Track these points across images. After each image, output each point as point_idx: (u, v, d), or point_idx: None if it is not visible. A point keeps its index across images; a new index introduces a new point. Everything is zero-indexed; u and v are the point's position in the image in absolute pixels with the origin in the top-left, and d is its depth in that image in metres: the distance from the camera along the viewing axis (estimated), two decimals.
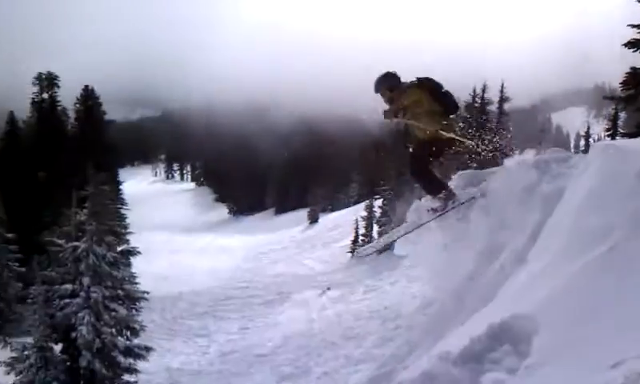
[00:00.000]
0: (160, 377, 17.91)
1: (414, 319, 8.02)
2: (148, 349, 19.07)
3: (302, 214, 51.71)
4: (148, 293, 22.25)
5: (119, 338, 18.46)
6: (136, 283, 22.85)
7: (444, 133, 6.40)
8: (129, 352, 18.50)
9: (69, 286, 18.02)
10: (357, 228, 34.24)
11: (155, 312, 26.99)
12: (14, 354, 17.21)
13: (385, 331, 11.95)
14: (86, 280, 17.85)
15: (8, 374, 17.27)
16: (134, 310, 20.62)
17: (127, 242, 24.11)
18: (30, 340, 17.62)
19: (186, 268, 37.48)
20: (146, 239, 33.86)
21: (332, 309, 21.58)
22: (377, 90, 6.58)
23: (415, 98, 6.36)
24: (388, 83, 6.56)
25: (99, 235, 18.69)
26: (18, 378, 17.02)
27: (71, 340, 17.57)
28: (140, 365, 18.74)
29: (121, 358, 18.03)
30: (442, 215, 6.76)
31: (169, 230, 53.01)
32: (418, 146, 6.66)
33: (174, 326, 26.13)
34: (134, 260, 24.53)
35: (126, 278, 21.72)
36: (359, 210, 38.79)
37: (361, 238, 34.20)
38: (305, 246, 40.02)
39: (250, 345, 19.12)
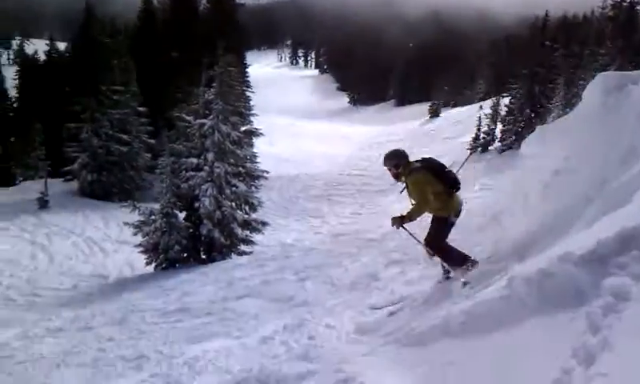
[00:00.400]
0: (273, 250, 18.69)
1: (531, 219, 7.70)
2: (264, 224, 19.92)
3: (423, 107, 50.53)
4: (268, 172, 22.99)
5: (238, 211, 19.35)
6: (257, 162, 23.63)
7: (446, 210, 6.90)
8: (246, 225, 19.40)
9: (194, 160, 18.92)
10: (479, 125, 33.11)
11: (273, 191, 27.97)
12: (141, 218, 18.57)
13: (498, 229, 11.61)
14: (210, 155, 18.64)
15: (135, 235, 18.76)
16: (253, 187, 21.43)
17: (251, 122, 24.76)
18: (157, 206, 18.89)
19: (305, 152, 38.19)
20: (269, 122, 34.65)
21: None
22: (384, 164, 7.14)
23: (419, 181, 6.77)
24: (394, 161, 7.03)
25: (225, 114, 19.26)
26: (144, 239, 18.46)
27: (194, 209, 18.66)
28: (256, 237, 19.67)
29: (238, 230, 18.95)
30: None
31: (290, 114, 53.86)
32: (430, 225, 7.11)
33: (290, 205, 27.01)
34: (256, 140, 25.29)
35: (248, 157, 22.49)
36: (484, 107, 37.41)
37: (482, 135, 33.13)
38: (423, 139, 39.35)
39: (361, 229, 19.42)
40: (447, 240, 7.18)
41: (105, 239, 23.04)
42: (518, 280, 4.79)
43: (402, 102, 63.64)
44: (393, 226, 7.08)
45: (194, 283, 15.41)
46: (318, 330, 8.16)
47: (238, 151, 20.12)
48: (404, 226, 7.02)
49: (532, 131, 10.29)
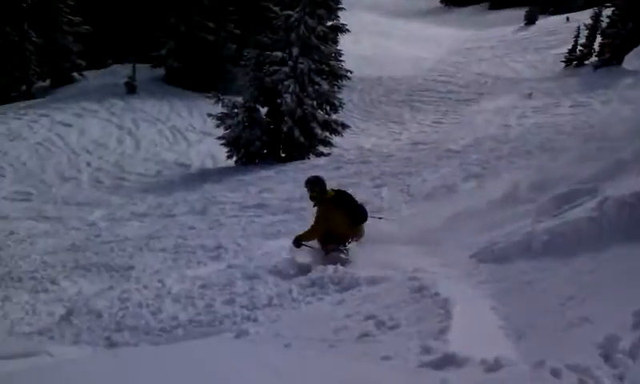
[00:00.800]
0: (351, 154, 18.65)
1: (622, 142, 7.30)
2: (344, 125, 19.81)
3: (519, 13, 47.61)
4: (351, 72, 22.60)
5: (319, 111, 19.27)
6: (341, 61, 23.16)
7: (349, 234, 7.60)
8: (326, 125, 19.35)
9: (279, 54, 18.78)
10: (577, 36, 31.09)
11: (355, 92, 27.59)
12: (224, 110, 18.84)
13: (586, 150, 11.08)
14: (295, 50, 18.44)
15: (218, 127, 19.12)
16: (335, 87, 21.16)
17: (337, 18, 23.92)
18: (239, 99, 19.08)
19: (390, 53, 37.17)
20: (355, 18, 33.65)
21: (532, 118, 20.53)
22: (305, 186, 7.92)
23: (322, 213, 7.51)
24: (311, 186, 7.74)
25: (312, 7, 18.84)
26: (226, 131, 18.80)
27: (276, 105, 18.73)
28: (334, 139, 19.64)
29: (318, 130, 18.94)
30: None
31: (378, 11, 52.15)
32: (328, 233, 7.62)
33: (371, 108, 26.66)
34: (341, 37, 24.73)
35: (332, 54, 22.11)
36: (584, 16, 35.07)
37: (579, 48, 31.22)
38: (515, 47, 37.40)
39: (442, 139, 18.99)
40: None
41: (188, 129, 23.59)
42: (609, 202, 4.59)
43: (496, 4, 60.17)
44: (293, 244, 7.67)
45: (273, 180, 15.72)
46: (391, 237, 8.15)
47: (323, 47, 19.79)
48: (303, 243, 7.62)
49: (636, 46, 9.58)
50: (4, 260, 10.50)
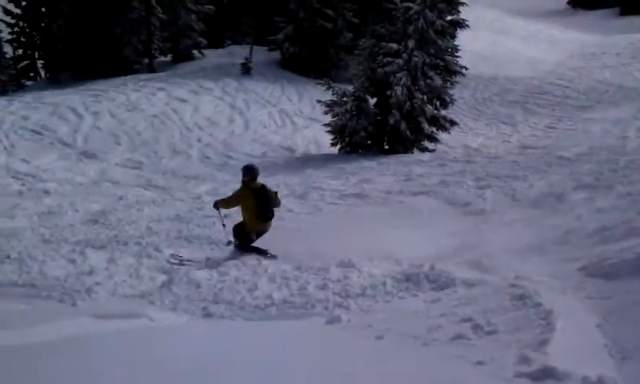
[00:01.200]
0: (457, 152, 18.25)
1: None
2: (453, 123, 19.40)
3: None
4: (466, 69, 22.07)
5: (428, 106, 18.96)
6: (457, 56, 22.67)
7: (249, 225, 8.81)
8: (434, 121, 19.04)
9: (394, 45, 18.64)
10: None
11: (467, 89, 26.92)
12: (334, 98, 18.97)
13: None
14: (411, 43, 18.24)
15: (325, 114, 19.35)
16: (448, 83, 20.75)
17: (458, 12, 23.36)
18: (350, 88, 19.13)
19: (508, 52, 35.92)
20: (476, 13, 32.77)
21: None
22: (241, 170, 9.12)
23: (237, 194, 8.94)
24: (245, 173, 8.91)
25: (433, 0, 18.56)
26: (333, 119, 18.96)
27: (385, 97, 18.61)
28: (440, 135, 19.28)
29: (425, 125, 18.67)
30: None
31: (500, 8, 50.69)
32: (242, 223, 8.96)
33: (482, 107, 25.90)
34: (459, 33, 24.20)
35: (449, 49, 21.68)
36: None
37: None
38: None
39: (553, 145, 18.17)
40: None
41: (297, 114, 23.86)
42: None
43: (628, 9, 56.76)
44: (213, 206, 9.08)
45: (373, 171, 15.69)
46: (492, 242, 7.91)
47: (440, 42, 19.44)
48: (221, 209, 9.02)
49: None
50: (112, 223, 11.05)
